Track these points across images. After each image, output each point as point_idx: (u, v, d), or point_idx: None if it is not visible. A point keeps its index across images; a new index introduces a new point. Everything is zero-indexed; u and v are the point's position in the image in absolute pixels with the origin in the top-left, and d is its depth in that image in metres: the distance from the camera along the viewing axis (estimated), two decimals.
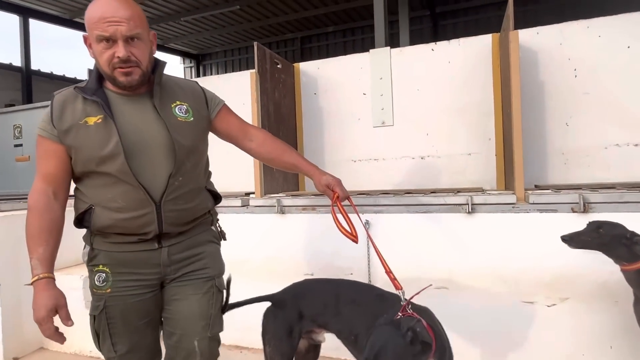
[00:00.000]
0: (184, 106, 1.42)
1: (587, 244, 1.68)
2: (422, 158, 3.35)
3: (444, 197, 2.41)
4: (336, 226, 1.57)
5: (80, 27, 8.59)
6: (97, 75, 1.35)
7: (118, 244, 1.37)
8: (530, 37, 2.96)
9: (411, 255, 2.44)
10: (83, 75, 10.07)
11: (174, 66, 12.20)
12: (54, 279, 1.28)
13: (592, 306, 2.08)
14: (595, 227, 1.68)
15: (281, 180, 3.35)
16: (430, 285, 1.48)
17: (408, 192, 2.78)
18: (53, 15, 8.67)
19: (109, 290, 1.37)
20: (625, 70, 2.81)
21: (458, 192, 2.58)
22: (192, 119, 1.43)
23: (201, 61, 11.84)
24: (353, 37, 9.53)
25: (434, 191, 2.75)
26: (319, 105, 3.68)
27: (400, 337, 1.18)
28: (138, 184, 1.29)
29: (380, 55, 3.42)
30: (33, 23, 8.70)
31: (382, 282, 2.52)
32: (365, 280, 2.51)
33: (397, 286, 1.44)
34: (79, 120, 1.30)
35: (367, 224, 2.52)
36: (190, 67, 11.99)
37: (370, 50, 3.48)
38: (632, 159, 2.82)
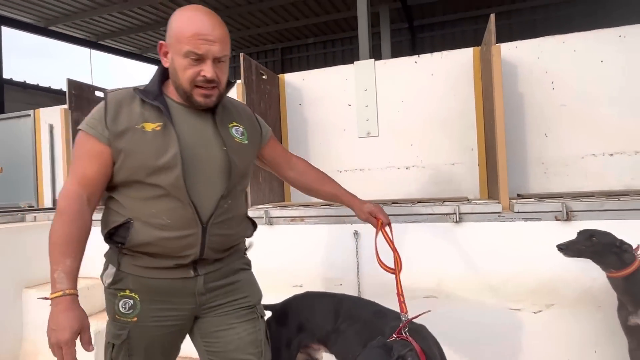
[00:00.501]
0: (240, 128, 1.37)
1: (582, 252, 1.73)
2: (407, 168, 3.40)
3: (431, 207, 2.45)
4: (376, 258, 1.57)
5: (55, 35, 8.40)
6: (159, 81, 1.29)
7: (150, 269, 1.25)
8: (509, 51, 3.06)
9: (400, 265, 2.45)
10: (58, 84, 9.83)
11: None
12: (78, 297, 1.15)
13: (576, 312, 2.14)
14: (589, 236, 1.73)
15: (267, 191, 3.33)
16: (429, 310, 1.47)
17: (395, 202, 2.81)
18: (27, 23, 8.45)
19: (135, 319, 1.24)
20: (599, 84, 2.94)
21: (444, 201, 2.63)
22: (246, 142, 1.37)
23: None
24: (333, 49, 9.64)
25: (420, 201, 2.78)
26: (304, 116, 3.70)
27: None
28: (189, 201, 1.20)
29: (364, 67, 3.47)
30: (5, 31, 8.45)
31: (370, 293, 2.52)
32: (354, 291, 2.51)
33: (403, 309, 1.43)
34: (135, 124, 1.21)
35: (356, 234, 2.53)
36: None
37: (355, 62, 3.53)
38: (607, 168, 2.93)
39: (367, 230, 2.55)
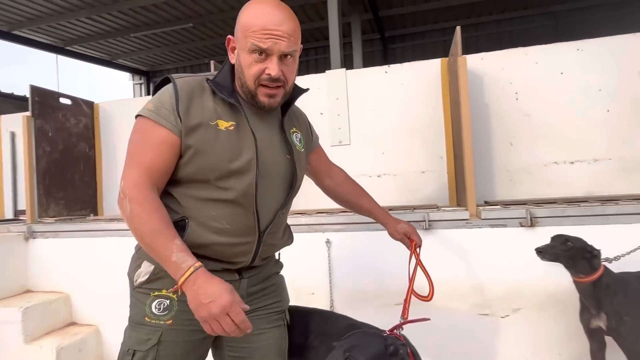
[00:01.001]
0: (299, 134, 1.31)
1: (558, 256, 1.75)
2: (378, 176, 3.43)
3: (401, 215, 2.48)
4: (409, 282, 1.55)
5: (20, 40, 8.10)
6: (231, 76, 1.19)
7: None
8: (475, 62, 3.16)
9: (372, 272, 2.47)
10: (22, 91, 9.46)
11: (123, 83, 11.77)
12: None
13: (542, 316, 2.21)
14: (564, 240, 1.76)
15: None
16: (429, 319, 1.45)
17: None
18: None
19: (170, 321, 1.13)
20: (560, 95, 3.07)
21: (414, 209, 2.67)
22: (303, 150, 1.31)
23: (152, 78, 11.52)
24: (307, 58, 9.70)
25: (391, 209, 2.81)
26: None
27: (384, 346, 1.15)
28: (254, 209, 1.14)
29: (336, 76, 3.50)
30: None
31: (343, 302, 2.53)
32: (326, 300, 2.51)
33: (404, 313, 1.45)
34: (209, 119, 1.11)
35: (328, 243, 2.53)
36: (140, 84, 11.63)
37: (327, 71, 3.56)
38: (568, 175, 3.05)
39: (339, 238, 2.56)
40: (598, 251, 1.73)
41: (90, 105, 4.14)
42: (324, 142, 3.48)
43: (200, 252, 1.12)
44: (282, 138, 1.24)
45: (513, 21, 8.21)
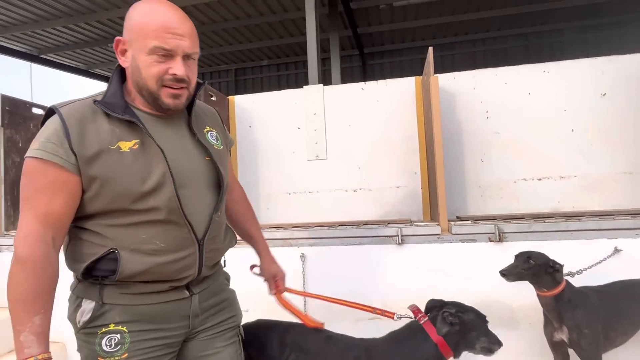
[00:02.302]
0: (214, 132, 1.25)
1: (522, 275, 1.77)
2: (354, 191, 3.48)
3: (375, 229, 2.51)
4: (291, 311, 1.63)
5: None
6: (120, 89, 1.11)
7: (142, 295, 1.09)
8: (448, 81, 3.26)
9: (346, 286, 2.48)
10: None
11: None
12: None
13: (509, 329, 2.26)
14: (526, 258, 1.78)
15: None
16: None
17: (342, 224, 2.85)
18: None
19: (125, 355, 1.06)
20: (527, 114, 3.19)
21: (389, 223, 2.71)
22: (222, 147, 1.25)
23: None
24: (287, 72, 9.78)
25: (366, 223, 2.85)
26: (253, 137, 3.71)
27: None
28: (185, 221, 1.08)
29: (313, 91, 3.56)
30: None
31: (318, 316, 2.52)
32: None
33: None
34: (109, 144, 1.03)
35: (302, 257, 2.53)
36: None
37: (304, 87, 3.60)
38: (536, 191, 3.17)
39: (313, 252, 2.57)
40: (560, 265, 1.78)
41: None
42: (301, 156, 3.56)
43: (141, 279, 1.07)
44: (194, 141, 1.17)
45: (487, 41, 8.50)
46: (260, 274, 1.60)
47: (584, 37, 7.97)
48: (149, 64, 1.05)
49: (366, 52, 8.96)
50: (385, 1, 6.55)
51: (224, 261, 1.39)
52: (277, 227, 2.82)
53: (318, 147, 3.52)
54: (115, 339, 1.06)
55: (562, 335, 1.79)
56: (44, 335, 0.98)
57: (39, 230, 0.99)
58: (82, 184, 1.03)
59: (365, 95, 3.48)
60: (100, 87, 11.31)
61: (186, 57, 1.08)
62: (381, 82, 3.48)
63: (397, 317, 1.57)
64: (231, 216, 1.48)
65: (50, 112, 1.07)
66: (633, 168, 3.07)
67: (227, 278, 1.39)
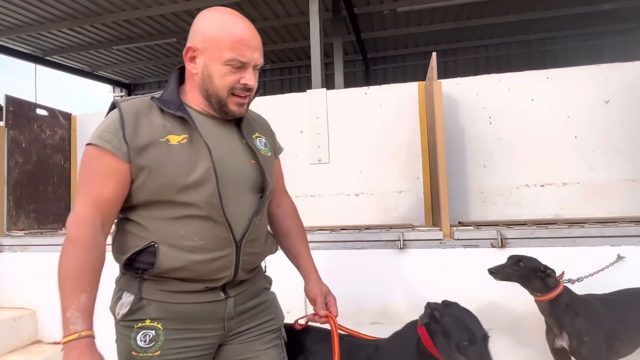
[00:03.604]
0: (263, 139, 1.28)
1: (510, 276, 1.81)
2: (356, 195, 3.47)
3: (377, 234, 2.51)
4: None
5: None
6: (177, 89, 1.17)
7: (178, 294, 1.11)
8: (451, 87, 3.27)
9: (348, 290, 2.47)
10: None
11: (104, 95, 11.64)
12: (95, 338, 1.00)
13: (511, 335, 2.25)
14: (516, 261, 1.82)
15: None
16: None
17: (343, 228, 2.85)
18: None
19: (157, 352, 1.08)
20: (530, 120, 3.19)
21: (390, 228, 2.70)
22: (270, 153, 1.28)
23: (133, 91, 11.42)
24: (290, 76, 9.81)
25: (368, 227, 2.85)
26: None
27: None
28: (224, 219, 1.10)
29: (317, 95, 3.56)
30: None
31: (317, 324, 2.51)
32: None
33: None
34: (159, 137, 1.08)
35: (265, 269, 2.52)
36: (121, 97, 11.54)
37: (308, 91, 3.61)
38: (539, 198, 3.16)
39: (315, 256, 2.56)
40: (552, 271, 1.78)
41: (67, 117, 4.08)
42: (303, 160, 3.55)
43: (177, 275, 1.10)
44: (242, 144, 1.20)
45: (490, 48, 8.51)
46: (311, 296, 1.44)
47: (587, 45, 7.97)
48: (223, 73, 1.11)
49: (369, 57, 8.99)
50: (389, 7, 6.57)
51: (265, 266, 1.38)
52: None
53: (320, 151, 3.52)
54: (150, 335, 1.09)
55: (563, 342, 1.78)
56: (89, 313, 1.01)
57: (89, 214, 1.05)
58: (132, 173, 1.08)
59: (368, 100, 3.49)
60: (104, 89, 11.36)
61: (254, 66, 1.15)
62: (384, 86, 3.49)
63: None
64: (281, 230, 1.45)
65: (112, 106, 1.14)
66: (636, 175, 3.06)
67: (268, 282, 1.37)
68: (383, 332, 2.30)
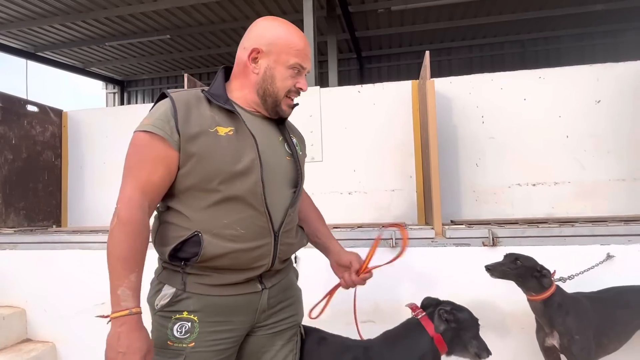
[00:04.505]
0: (295, 139, 1.36)
1: (506, 274, 1.81)
2: (349, 193, 3.47)
3: (369, 232, 2.51)
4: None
5: None
6: (224, 85, 1.25)
7: (218, 287, 1.17)
8: (444, 86, 3.27)
9: (340, 289, 2.47)
10: None
11: (96, 91, 11.54)
12: (142, 315, 1.06)
13: (502, 333, 2.26)
14: (514, 259, 1.82)
15: None
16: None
17: (336, 226, 2.85)
18: None
19: (192, 344, 1.13)
20: (522, 119, 3.21)
21: (383, 226, 2.70)
22: (301, 153, 1.37)
23: (126, 87, 11.34)
24: None
25: (360, 226, 2.85)
26: None
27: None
28: (265, 209, 1.16)
29: (310, 93, 3.55)
30: None
31: (309, 321, 2.51)
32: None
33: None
34: (208, 127, 1.14)
35: (296, 258, 2.52)
36: (114, 93, 11.42)
37: None
38: (531, 197, 3.18)
39: (308, 254, 2.56)
40: (547, 271, 1.79)
41: (58, 113, 4.04)
42: None
43: (220, 264, 1.14)
44: (280, 141, 1.29)
45: (484, 47, 8.55)
46: (339, 263, 1.51)
47: (579, 45, 8.04)
48: (286, 77, 1.22)
49: (364, 55, 8.98)
50: (384, 5, 6.57)
51: (295, 257, 1.46)
52: None
53: (314, 149, 3.51)
54: (186, 327, 1.13)
55: (553, 341, 1.79)
56: (137, 291, 1.06)
57: (138, 197, 1.09)
58: (180, 161, 1.13)
59: (361, 98, 3.48)
60: (96, 85, 11.26)
61: (306, 74, 1.28)
62: (378, 85, 3.49)
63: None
64: (302, 219, 1.49)
65: (162, 96, 1.21)
66: (626, 175, 3.09)
67: (296, 275, 1.45)
68: (375, 330, 2.31)
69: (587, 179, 3.13)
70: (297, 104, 1.31)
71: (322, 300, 1.58)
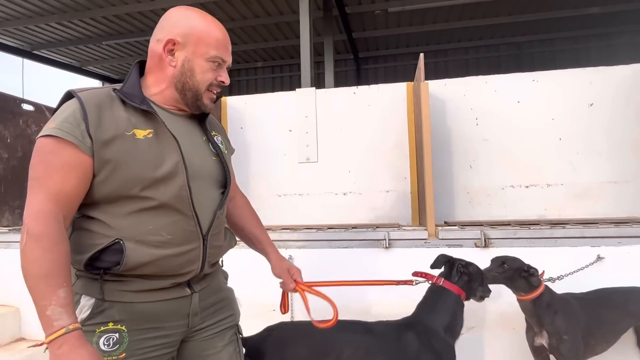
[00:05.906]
0: (219, 137, 1.30)
1: (496, 279, 1.84)
2: (344, 194, 3.49)
3: (363, 233, 2.53)
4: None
5: None
6: (138, 82, 1.15)
7: (143, 293, 1.09)
8: (439, 88, 3.30)
9: (333, 289, 2.48)
10: None
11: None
12: (82, 330, 0.96)
13: (494, 334, 2.28)
14: (500, 263, 1.85)
15: None
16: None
17: (331, 227, 2.87)
18: None
19: (122, 355, 1.05)
20: (516, 122, 3.24)
21: (377, 227, 2.72)
22: (226, 152, 1.31)
23: None
24: (282, 74, 9.80)
25: (355, 226, 2.86)
26: (245, 139, 3.71)
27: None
28: (192, 213, 1.10)
29: (306, 94, 3.57)
30: None
31: (304, 315, 2.53)
32: (287, 317, 2.50)
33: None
34: (124, 130, 1.05)
35: (290, 259, 2.54)
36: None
37: (297, 90, 3.62)
38: (523, 199, 3.21)
39: (301, 254, 2.58)
40: (535, 270, 1.81)
41: (54, 112, 4.03)
42: (291, 158, 3.57)
43: (145, 272, 1.07)
44: (204, 141, 1.23)
45: (480, 49, 8.59)
46: (276, 274, 1.49)
47: (574, 48, 8.09)
48: (206, 69, 1.15)
49: (361, 56, 9.01)
50: (381, 7, 6.59)
51: (222, 260, 1.40)
52: (266, 228, 2.82)
53: (309, 150, 3.53)
54: (113, 338, 1.05)
55: (542, 341, 1.82)
56: (71, 307, 0.96)
57: (50, 208, 0.98)
58: (94, 168, 1.03)
59: (357, 100, 3.50)
60: (92, 84, 11.22)
61: (227, 67, 1.22)
62: (373, 86, 3.51)
63: (415, 283, 1.81)
64: (236, 222, 1.47)
65: (67, 96, 1.09)
66: (618, 177, 3.13)
67: (225, 277, 1.39)
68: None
69: (579, 181, 3.16)
70: (220, 97, 1.25)
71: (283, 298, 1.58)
